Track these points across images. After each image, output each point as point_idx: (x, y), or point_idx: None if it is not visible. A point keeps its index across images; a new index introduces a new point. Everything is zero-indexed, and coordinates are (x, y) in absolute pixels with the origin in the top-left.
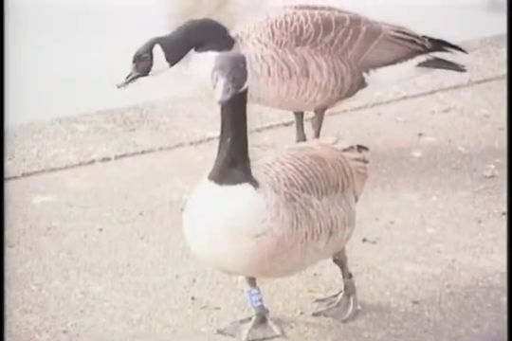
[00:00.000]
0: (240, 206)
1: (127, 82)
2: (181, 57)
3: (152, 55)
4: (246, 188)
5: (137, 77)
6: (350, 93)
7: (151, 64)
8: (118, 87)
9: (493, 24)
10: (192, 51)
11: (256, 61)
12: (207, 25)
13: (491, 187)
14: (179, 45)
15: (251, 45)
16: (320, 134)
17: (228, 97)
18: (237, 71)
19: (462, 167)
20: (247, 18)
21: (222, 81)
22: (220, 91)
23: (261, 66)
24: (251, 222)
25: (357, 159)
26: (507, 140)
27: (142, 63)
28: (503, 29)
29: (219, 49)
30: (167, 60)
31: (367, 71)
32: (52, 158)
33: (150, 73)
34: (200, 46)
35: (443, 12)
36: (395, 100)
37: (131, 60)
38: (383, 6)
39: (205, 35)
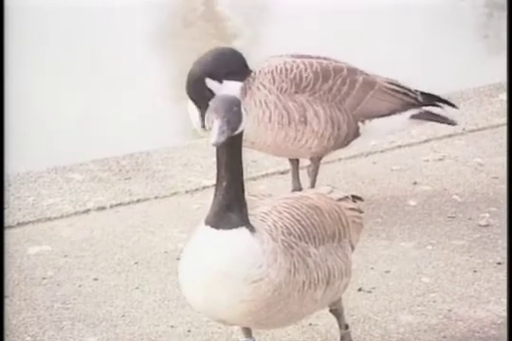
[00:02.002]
0: (236, 250)
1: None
2: None
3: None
4: (242, 232)
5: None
6: (345, 142)
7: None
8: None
9: (487, 73)
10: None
11: (260, 106)
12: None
13: (486, 236)
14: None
15: (256, 90)
16: (315, 182)
17: (222, 139)
18: (232, 114)
19: (457, 215)
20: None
21: (217, 124)
22: (215, 133)
23: (263, 112)
24: (248, 266)
25: (353, 209)
26: (507, 190)
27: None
28: (497, 79)
29: (242, 79)
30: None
31: (362, 121)
32: (48, 207)
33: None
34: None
35: (438, 62)
36: (390, 149)
37: (132, 108)
38: (380, 58)
39: (233, 65)
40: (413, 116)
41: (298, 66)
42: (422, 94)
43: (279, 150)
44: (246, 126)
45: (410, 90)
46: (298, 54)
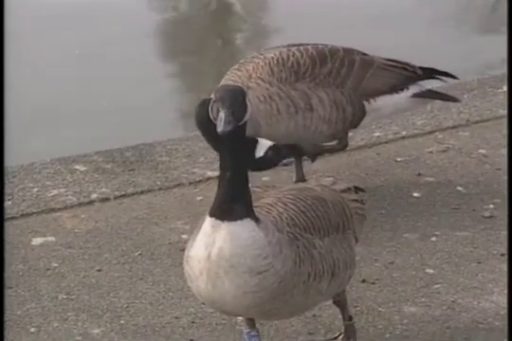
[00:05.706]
0: (241, 241)
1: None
2: None
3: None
4: (247, 223)
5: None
6: (354, 122)
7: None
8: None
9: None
10: None
11: (265, 101)
12: None
13: (490, 227)
14: None
15: (256, 86)
16: (319, 174)
17: (229, 128)
18: (237, 104)
19: (461, 207)
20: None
21: (223, 114)
22: (221, 123)
23: (270, 106)
24: (253, 258)
25: (356, 200)
26: (507, 181)
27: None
28: (501, 70)
29: None
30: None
31: (367, 100)
32: (52, 199)
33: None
34: None
35: (442, 53)
36: (394, 140)
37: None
38: (382, 48)
39: None
40: (416, 95)
41: (294, 54)
42: (420, 68)
43: (292, 138)
44: (260, 123)
45: (407, 64)
46: (293, 44)
